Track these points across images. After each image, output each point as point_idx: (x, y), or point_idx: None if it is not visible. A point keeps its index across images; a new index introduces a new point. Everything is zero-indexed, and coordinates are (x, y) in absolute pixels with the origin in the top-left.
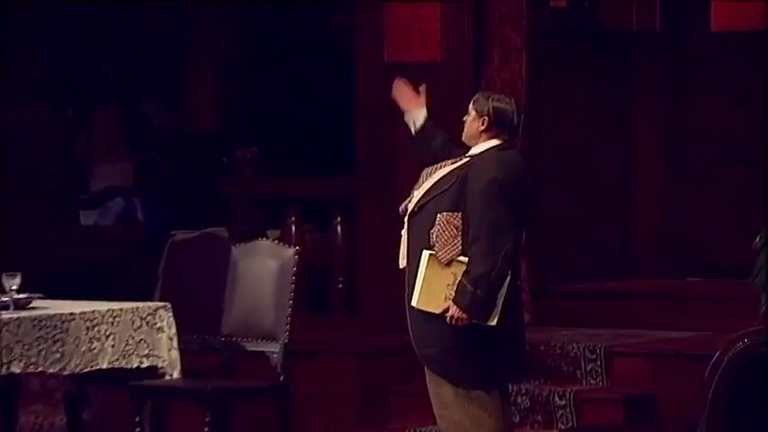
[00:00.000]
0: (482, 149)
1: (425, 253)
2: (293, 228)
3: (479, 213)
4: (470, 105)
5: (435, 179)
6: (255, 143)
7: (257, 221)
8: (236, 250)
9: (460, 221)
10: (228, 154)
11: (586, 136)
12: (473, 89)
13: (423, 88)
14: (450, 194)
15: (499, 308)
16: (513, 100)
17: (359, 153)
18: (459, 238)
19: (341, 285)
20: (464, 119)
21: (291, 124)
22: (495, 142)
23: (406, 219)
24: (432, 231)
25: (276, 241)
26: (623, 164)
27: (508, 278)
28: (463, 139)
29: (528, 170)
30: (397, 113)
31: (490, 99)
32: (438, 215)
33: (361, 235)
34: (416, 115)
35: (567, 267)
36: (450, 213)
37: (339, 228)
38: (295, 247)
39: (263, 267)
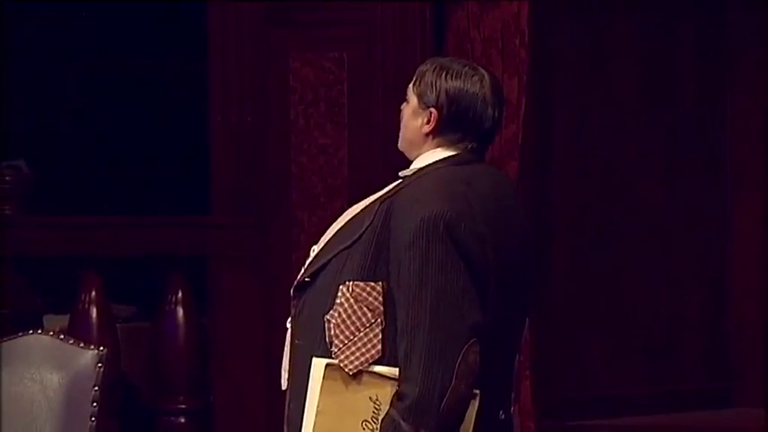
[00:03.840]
0: (422, 165)
1: (318, 363)
2: (94, 312)
3: (411, 283)
4: (410, 85)
5: (341, 223)
6: (23, 155)
7: (23, 300)
8: None
9: (380, 298)
10: None
11: (642, 153)
12: (430, 51)
13: None
14: (362, 249)
15: None
16: (486, 74)
17: (216, 182)
18: (378, 330)
19: (183, 419)
20: (401, 107)
21: (95, 126)
22: (445, 153)
23: (292, 300)
24: (328, 317)
25: (61, 336)
26: (713, 214)
27: (476, 404)
28: (400, 146)
29: (511, 198)
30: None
31: (444, 75)
32: (341, 287)
33: (219, 325)
34: None
35: (598, 389)
36: (361, 284)
37: (179, 312)
38: (97, 347)
39: (37, 385)
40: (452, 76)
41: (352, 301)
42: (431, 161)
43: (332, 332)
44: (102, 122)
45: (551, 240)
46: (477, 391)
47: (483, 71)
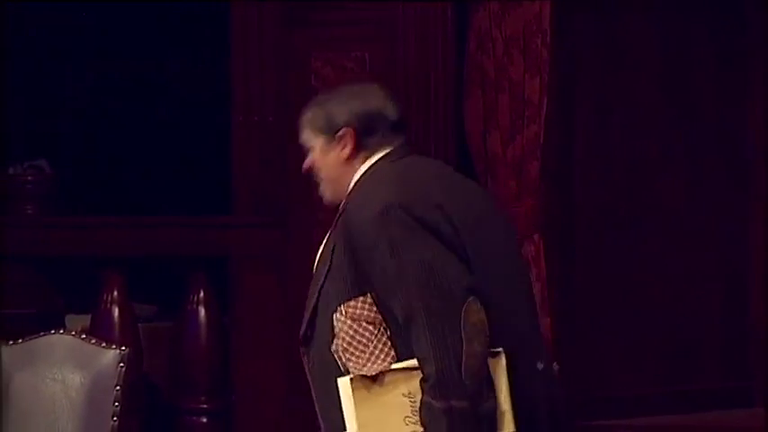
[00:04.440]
0: (357, 178)
1: (343, 381)
2: (116, 311)
3: (391, 276)
4: (304, 135)
5: (316, 262)
6: (45, 154)
7: (47, 300)
8: (7, 353)
9: (374, 308)
10: None
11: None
12: (451, 50)
13: None
14: (338, 275)
15: (510, 414)
16: (364, 81)
17: (238, 182)
18: (385, 337)
19: (205, 419)
20: (305, 165)
21: (112, 121)
22: (374, 158)
23: (302, 356)
24: (335, 348)
25: (83, 336)
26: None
27: (502, 360)
28: (329, 196)
29: (459, 176)
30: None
31: (332, 99)
32: (335, 316)
33: (240, 324)
34: None
35: (617, 389)
36: (352, 302)
37: (201, 312)
38: (120, 347)
39: (59, 385)
40: (341, 95)
41: (350, 321)
42: (364, 170)
43: (343, 359)
44: (104, 123)
45: (573, 240)
46: (500, 349)
47: (359, 81)
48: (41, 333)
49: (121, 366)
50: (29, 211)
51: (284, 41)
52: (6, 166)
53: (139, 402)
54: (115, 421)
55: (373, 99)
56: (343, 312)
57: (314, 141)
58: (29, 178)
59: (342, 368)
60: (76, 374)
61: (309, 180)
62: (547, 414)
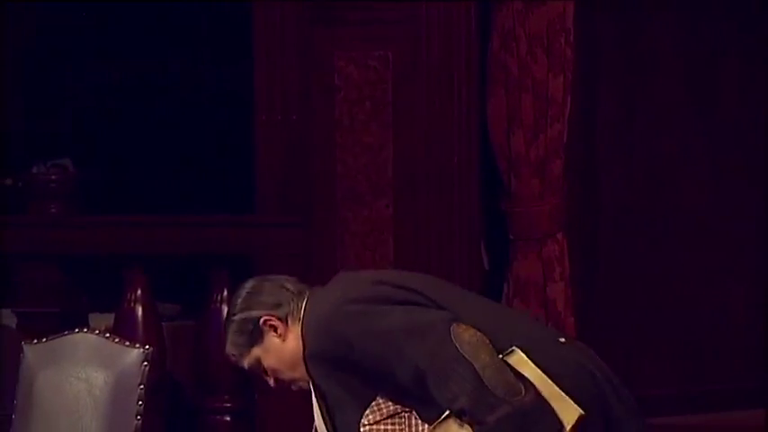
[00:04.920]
0: (300, 330)
1: None
2: (139, 310)
3: (380, 356)
4: (245, 363)
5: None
6: (69, 152)
7: (70, 299)
8: (31, 351)
9: (389, 403)
10: (16, 171)
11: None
12: (475, 49)
13: None
14: (339, 398)
15: (557, 393)
16: (246, 283)
17: (261, 180)
18: (411, 416)
19: (229, 418)
20: (273, 385)
21: (137, 116)
22: (302, 307)
23: None
24: None
25: (106, 335)
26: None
27: (520, 354)
28: (301, 383)
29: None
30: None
31: (235, 324)
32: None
33: None
34: None
35: (638, 389)
36: (368, 414)
37: (224, 311)
38: (143, 346)
39: (82, 384)
40: (234, 311)
41: (376, 427)
42: (301, 322)
43: None
44: (124, 122)
45: (596, 239)
46: (513, 348)
47: (246, 283)
48: (65, 332)
49: (145, 365)
50: (52, 210)
51: (307, 40)
52: (30, 165)
53: (163, 401)
54: (139, 420)
55: (263, 285)
56: (366, 425)
57: (255, 357)
58: (52, 177)
59: None
60: (100, 373)
61: (332, 178)
62: (598, 370)
